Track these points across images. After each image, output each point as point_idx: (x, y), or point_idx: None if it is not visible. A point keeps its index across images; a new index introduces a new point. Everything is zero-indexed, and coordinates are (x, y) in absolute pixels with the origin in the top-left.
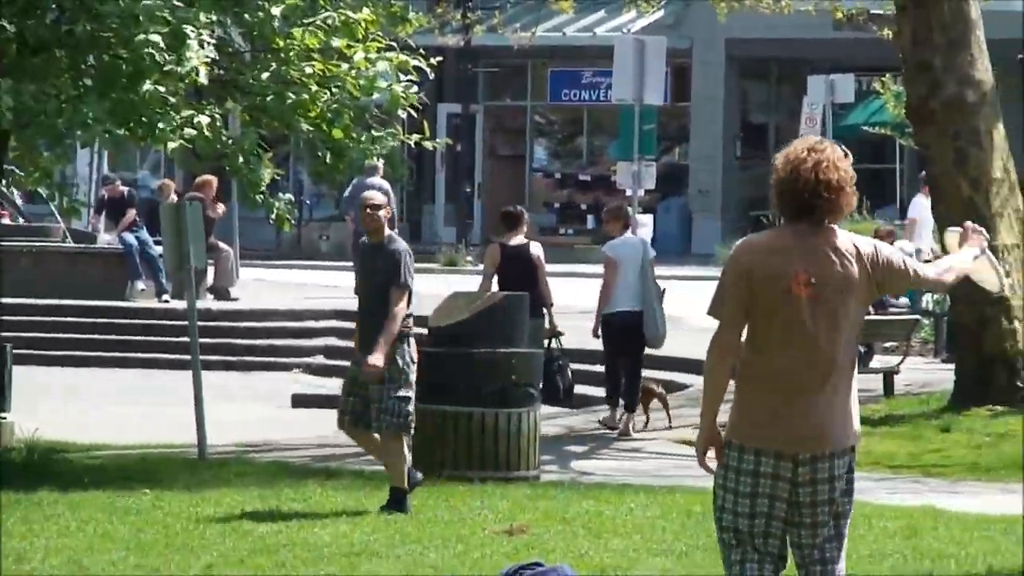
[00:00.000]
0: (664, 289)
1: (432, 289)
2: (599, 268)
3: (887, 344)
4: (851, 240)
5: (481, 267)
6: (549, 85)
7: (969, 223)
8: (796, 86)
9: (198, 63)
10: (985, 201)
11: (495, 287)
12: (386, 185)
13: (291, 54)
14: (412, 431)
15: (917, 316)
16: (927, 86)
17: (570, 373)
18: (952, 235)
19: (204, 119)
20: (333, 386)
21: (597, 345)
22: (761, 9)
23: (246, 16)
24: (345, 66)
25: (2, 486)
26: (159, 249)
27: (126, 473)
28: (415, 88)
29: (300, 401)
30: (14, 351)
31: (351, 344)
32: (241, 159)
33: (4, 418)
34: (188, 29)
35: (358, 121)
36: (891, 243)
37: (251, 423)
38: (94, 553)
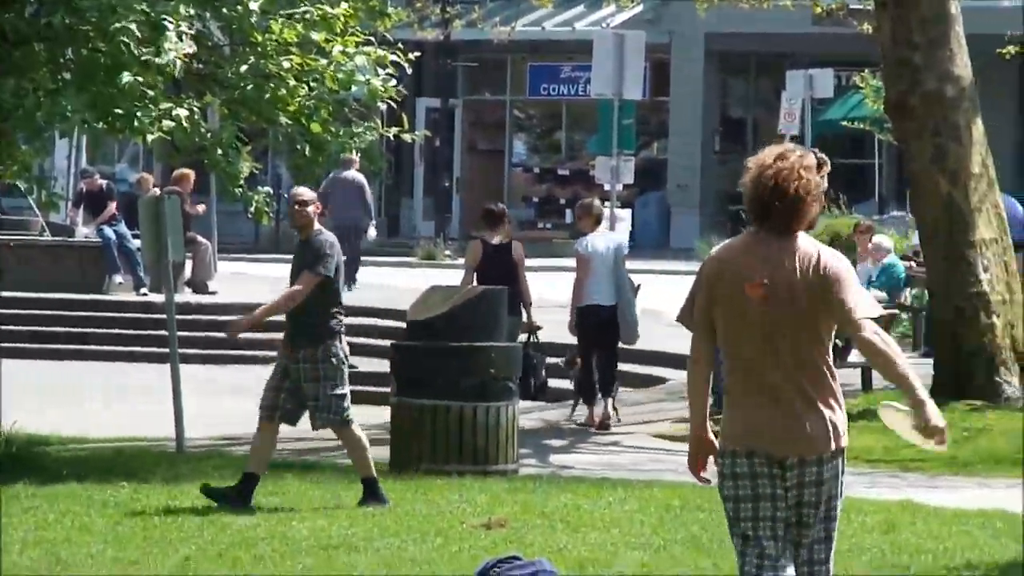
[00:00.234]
0: (639, 285)
1: (410, 283)
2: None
3: None
4: (816, 248)
5: (459, 261)
6: (528, 80)
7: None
8: (775, 81)
9: (176, 55)
10: (963, 196)
11: (475, 283)
12: (361, 178)
13: (269, 48)
14: (351, 422)
15: (895, 311)
16: (906, 81)
17: (544, 371)
18: (889, 413)
19: (182, 112)
20: None
21: (574, 340)
22: (740, 4)
23: (224, 10)
24: (323, 60)
25: None
26: (137, 243)
27: (104, 466)
28: (393, 81)
29: None
30: None
31: None
32: (220, 152)
33: None
34: (166, 21)
35: (336, 115)
36: (870, 238)
37: (229, 417)
38: (72, 546)
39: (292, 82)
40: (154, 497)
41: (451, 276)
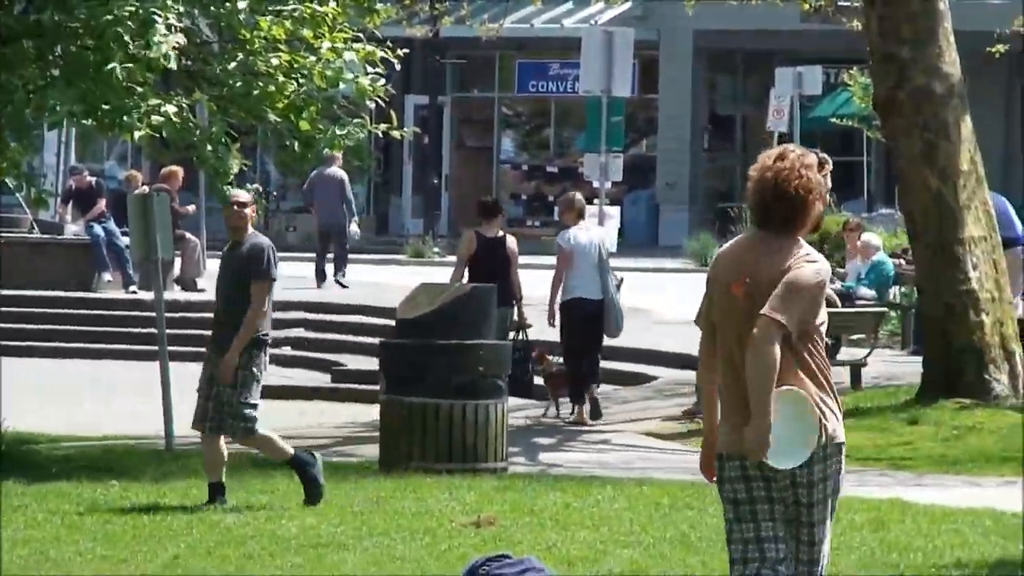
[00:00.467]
0: (622, 279)
1: (399, 280)
2: None
3: (854, 336)
4: (806, 254)
5: (448, 258)
6: (517, 77)
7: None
8: (764, 78)
9: (167, 47)
10: (952, 193)
11: (467, 275)
12: (341, 174)
13: (258, 45)
14: (255, 431)
15: (884, 308)
16: (894, 78)
17: (532, 366)
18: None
19: (171, 108)
20: (301, 378)
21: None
22: (729, 1)
23: (212, 7)
24: (312, 57)
25: None
26: (126, 240)
27: (93, 464)
28: (382, 80)
29: (267, 392)
30: None
31: (319, 335)
32: (210, 148)
33: None
34: (156, 15)
35: (325, 112)
36: (859, 236)
37: None
38: (61, 544)
39: (281, 79)
40: (143, 495)
41: (440, 273)
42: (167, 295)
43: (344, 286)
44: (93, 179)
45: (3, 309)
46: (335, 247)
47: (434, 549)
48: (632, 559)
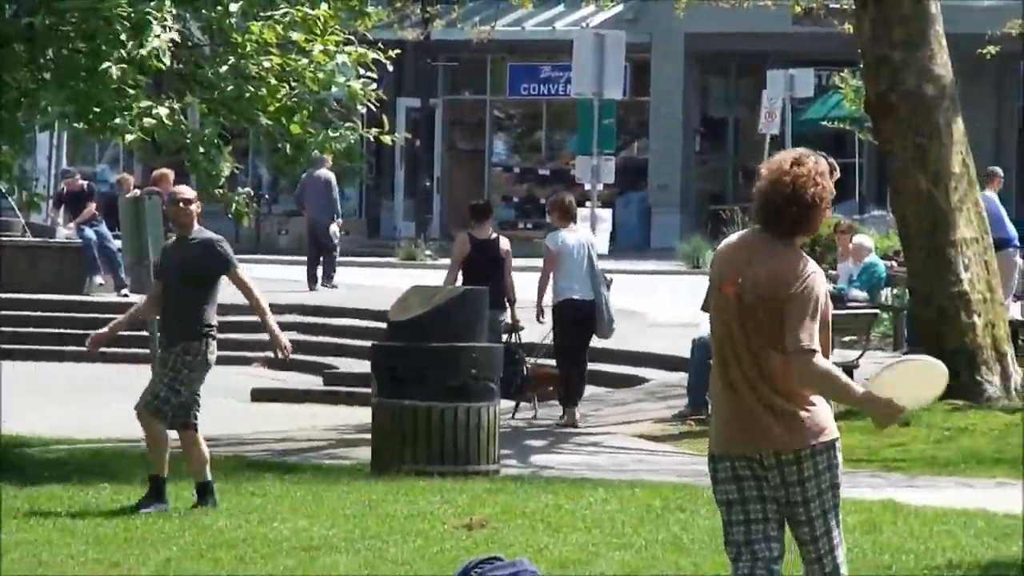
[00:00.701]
0: (611, 280)
1: (391, 283)
2: None
3: (846, 338)
4: (802, 261)
5: (441, 261)
6: (508, 79)
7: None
8: (755, 80)
9: (160, 44)
10: (944, 195)
11: (461, 278)
12: (329, 175)
13: (249, 48)
14: (196, 427)
15: (876, 310)
16: (886, 80)
17: (526, 368)
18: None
19: (163, 111)
20: (293, 380)
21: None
22: (720, 4)
23: (204, 10)
24: (304, 60)
25: None
26: (118, 243)
27: (85, 467)
28: (374, 84)
29: (259, 395)
30: None
31: (312, 338)
32: (201, 151)
33: None
34: (150, 17)
35: (317, 115)
36: (851, 238)
37: (210, 417)
38: (53, 547)
39: (272, 82)
40: (135, 498)
41: (432, 276)
42: None
43: (334, 286)
44: (84, 182)
45: None
46: (322, 251)
47: (426, 551)
48: (624, 561)
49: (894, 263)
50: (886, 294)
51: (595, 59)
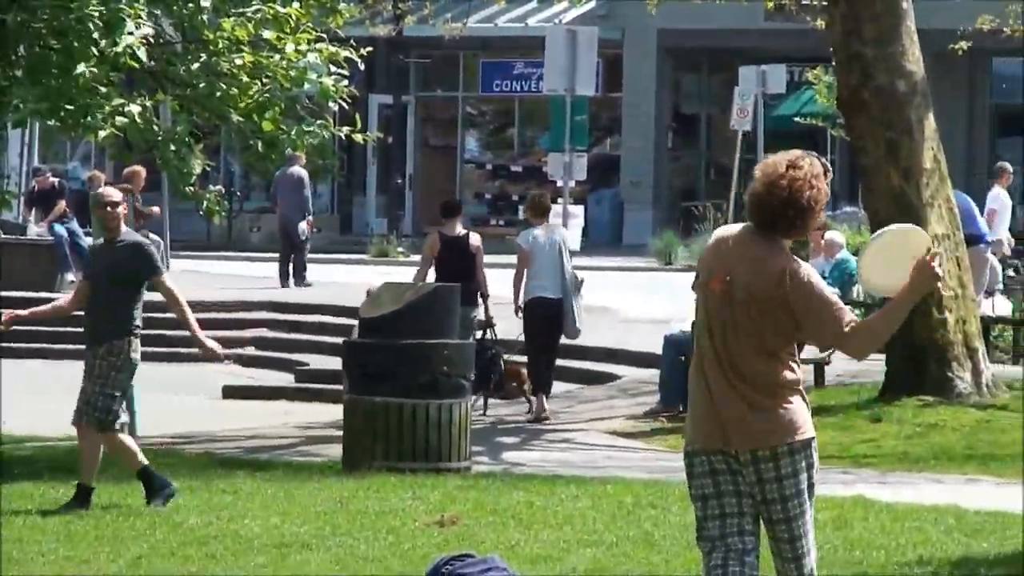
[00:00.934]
0: (582, 280)
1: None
2: None
3: None
4: (789, 261)
5: (413, 258)
6: (480, 76)
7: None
8: (728, 77)
9: (135, 41)
10: (916, 191)
11: (432, 275)
12: (301, 173)
13: (221, 46)
14: (114, 430)
15: (848, 306)
16: (858, 76)
17: (503, 364)
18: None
19: (135, 108)
20: (265, 377)
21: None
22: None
23: (176, 7)
24: (276, 57)
25: None
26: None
27: (56, 464)
28: (345, 81)
29: (231, 392)
30: None
31: (283, 335)
32: (172, 149)
33: None
34: (123, 15)
35: (289, 112)
36: (823, 234)
37: (182, 414)
38: (23, 545)
39: (244, 79)
40: (106, 495)
41: (404, 273)
42: None
43: (307, 284)
44: (55, 180)
45: None
46: (293, 249)
47: (397, 548)
48: (595, 558)
49: None
50: (858, 290)
51: (567, 55)
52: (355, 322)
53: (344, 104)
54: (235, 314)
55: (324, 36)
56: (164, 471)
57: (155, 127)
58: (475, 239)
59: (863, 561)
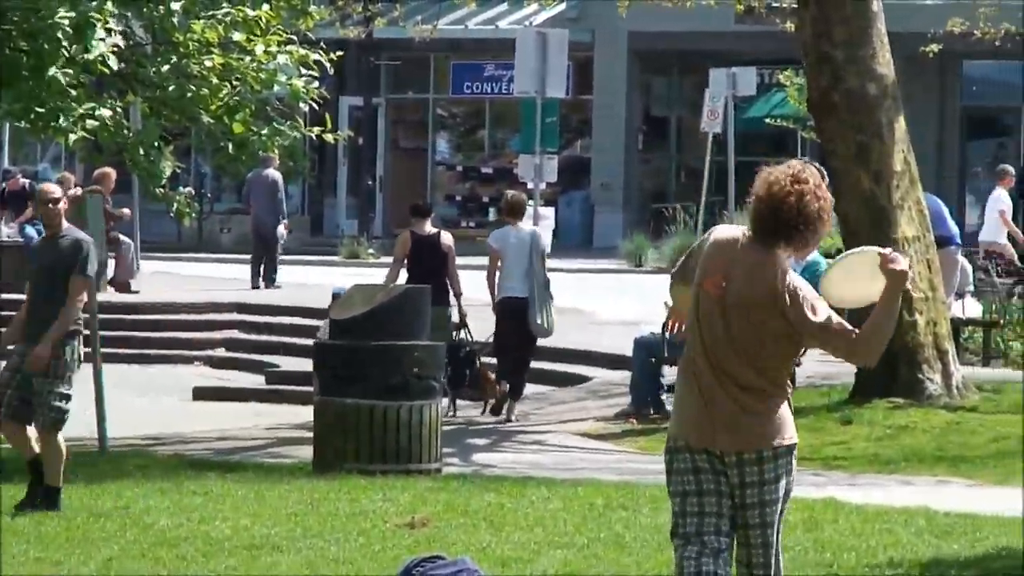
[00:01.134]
0: (547, 280)
1: (334, 282)
2: None
3: None
4: (783, 267)
5: (383, 259)
6: (451, 78)
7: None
8: (698, 79)
9: (105, 49)
10: (886, 194)
11: (404, 275)
12: (275, 175)
13: (191, 48)
14: (59, 430)
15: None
16: (828, 79)
17: (478, 362)
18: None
19: (106, 112)
20: (235, 379)
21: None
22: (663, 3)
23: (146, 9)
24: (246, 59)
25: None
26: None
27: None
28: (316, 83)
29: (201, 394)
30: None
31: (253, 337)
32: (142, 152)
33: None
34: (93, 19)
35: (259, 114)
36: None
37: (152, 416)
38: None
39: (215, 81)
40: (76, 497)
41: (375, 274)
42: (101, 297)
43: (277, 287)
44: (26, 182)
45: None
46: (265, 248)
47: (368, 550)
48: (566, 560)
49: None
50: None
51: (538, 57)
52: (324, 323)
53: (315, 106)
54: (205, 315)
55: (294, 38)
56: (135, 472)
57: (125, 130)
58: (447, 238)
59: (833, 563)
